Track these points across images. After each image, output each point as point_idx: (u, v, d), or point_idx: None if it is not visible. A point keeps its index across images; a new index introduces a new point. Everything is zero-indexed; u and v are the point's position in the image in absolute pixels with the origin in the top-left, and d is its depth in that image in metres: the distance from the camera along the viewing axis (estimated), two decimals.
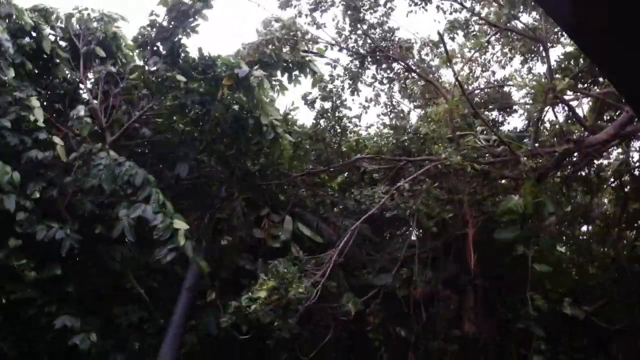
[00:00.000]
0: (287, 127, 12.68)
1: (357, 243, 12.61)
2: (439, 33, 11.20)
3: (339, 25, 12.34)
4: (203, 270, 10.00)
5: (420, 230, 13.53)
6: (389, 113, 13.61)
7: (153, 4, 11.33)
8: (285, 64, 11.76)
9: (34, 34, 11.71)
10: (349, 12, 12.26)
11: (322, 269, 10.26)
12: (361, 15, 12.23)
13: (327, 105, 12.61)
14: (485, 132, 12.40)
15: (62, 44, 12.31)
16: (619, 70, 2.47)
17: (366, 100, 12.63)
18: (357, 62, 12.52)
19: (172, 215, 9.90)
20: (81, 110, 11.02)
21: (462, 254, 12.61)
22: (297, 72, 12.01)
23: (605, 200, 14.64)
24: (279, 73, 11.96)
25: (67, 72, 12.44)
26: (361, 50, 12.14)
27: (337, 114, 12.68)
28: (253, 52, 11.65)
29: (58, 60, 12.14)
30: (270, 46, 11.51)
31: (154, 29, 11.09)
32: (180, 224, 9.78)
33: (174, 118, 12.55)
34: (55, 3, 13.17)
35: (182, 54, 11.29)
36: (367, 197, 10.94)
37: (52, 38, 11.99)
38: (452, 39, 12.98)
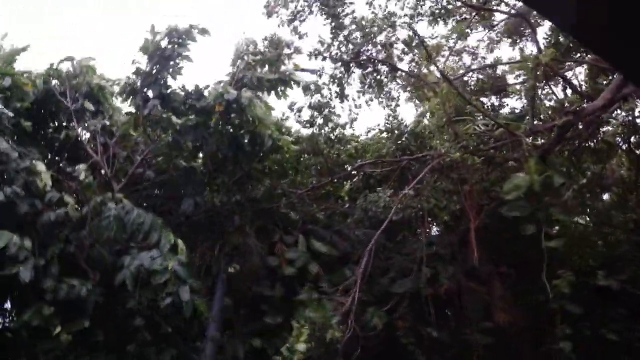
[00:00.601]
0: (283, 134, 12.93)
1: (375, 252, 12.56)
2: (414, 31, 11.17)
3: (319, 35, 12.38)
4: (200, 312, 10.08)
5: (435, 227, 13.40)
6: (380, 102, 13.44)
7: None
8: (268, 83, 11.90)
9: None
10: (328, 20, 12.26)
11: (349, 294, 10.27)
12: (340, 21, 12.21)
13: (316, 114, 12.62)
14: (484, 117, 12.27)
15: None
16: (621, 63, 2.50)
17: (355, 107, 12.62)
18: (342, 69, 12.51)
19: (174, 258, 10.03)
20: (81, 170, 11.30)
21: (480, 243, 12.43)
22: (282, 88, 12.14)
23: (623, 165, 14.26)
24: (265, 94, 12.11)
25: (65, 129, 12.80)
26: (344, 57, 12.13)
27: (329, 124, 12.69)
28: (238, 76, 11.80)
29: (57, 115, 12.50)
30: (251, 70, 11.64)
31: (139, 77, 11.36)
32: (176, 266, 9.90)
33: (174, 156, 12.76)
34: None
35: (171, 95, 11.52)
36: (373, 203, 10.89)
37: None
38: (434, 23, 12.78)
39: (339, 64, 12.29)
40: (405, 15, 11.97)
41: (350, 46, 12.24)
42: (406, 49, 12.56)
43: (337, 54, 12.34)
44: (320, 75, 12.57)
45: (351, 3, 12.00)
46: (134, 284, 10.46)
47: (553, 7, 2.31)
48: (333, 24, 12.04)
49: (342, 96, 12.31)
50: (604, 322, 12.05)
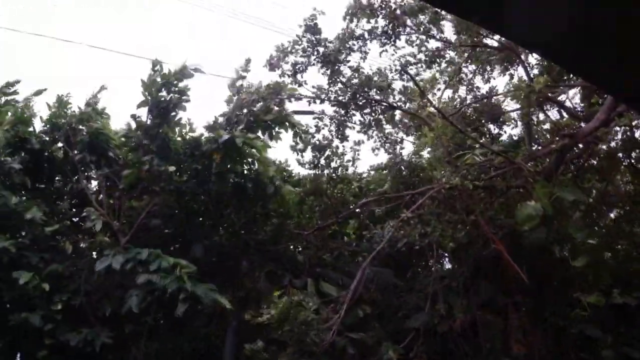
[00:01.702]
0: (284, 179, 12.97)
1: (385, 288, 12.44)
2: (406, 71, 11.44)
3: (317, 82, 12.74)
4: (220, 304, 9.99)
5: (447, 260, 13.27)
6: (383, 145, 13.59)
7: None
8: (264, 123, 12.05)
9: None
10: (325, 68, 12.57)
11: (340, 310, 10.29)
12: (336, 67, 12.53)
13: (318, 155, 12.77)
14: (482, 147, 12.34)
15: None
16: (607, 85, 2.55)
17: (356, 144, 12.79)
18: (341, 111, 12.75)
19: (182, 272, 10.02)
20: (91, 211, 11.41)
21: (493, 274, 12.26)
22: (277, 129, 12.27)
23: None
24: (259, 133, 12.22)
25: (70, 180, 12.86)
26: (341, 99, 12.37)
27: (331, 164, 12.84)
28: (234, 115, 12.02)
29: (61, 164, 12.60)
30: (244, 110, 11.86)
31: (139, 131, 11.60)
32: (179, 261, 10.16)
33: (179, 204, 12.84)
34: None
35: (171, 147, 11.73)
36: (377, 236, 10.92)
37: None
38: (430, 66, 13.12)
39: (338, 106, 12.56)
40: (400, 63, 12.30)
41: (348, 90, 12.52)
42: (402, 92, 12.86)
43: (335, 97, 12.64)
44: (321, 119, 12.82)
45: (348, 54, 12.39)
46: (145, 301, 10.37)
47: (533, 40, 2.37)
48: (330, 71, 12.39)
49: (342, 137, 12.53)
50: (626, 341, 11.74)
